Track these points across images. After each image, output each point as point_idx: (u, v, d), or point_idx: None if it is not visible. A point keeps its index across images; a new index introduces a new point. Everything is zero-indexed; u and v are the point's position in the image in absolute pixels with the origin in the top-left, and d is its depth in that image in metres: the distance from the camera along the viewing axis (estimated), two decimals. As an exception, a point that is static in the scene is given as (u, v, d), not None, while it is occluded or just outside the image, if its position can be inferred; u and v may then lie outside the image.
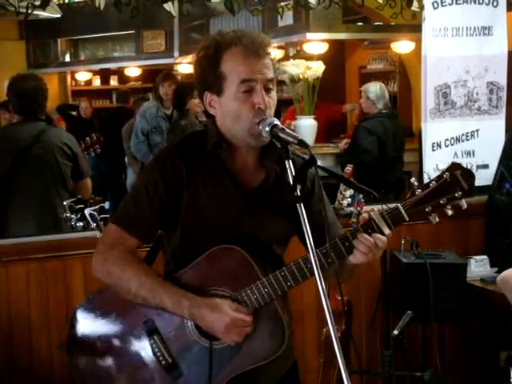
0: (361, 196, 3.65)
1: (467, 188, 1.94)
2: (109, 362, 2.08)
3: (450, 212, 1.96)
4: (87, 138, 4.26)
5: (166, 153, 2.09)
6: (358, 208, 3.56)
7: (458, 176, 1.94)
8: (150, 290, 1.98)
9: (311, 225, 1.82)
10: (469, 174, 1.97)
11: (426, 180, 1.98)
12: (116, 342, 2.08)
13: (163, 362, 2.02)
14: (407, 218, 1.95)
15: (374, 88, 5.90)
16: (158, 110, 6.23)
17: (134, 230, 2.03)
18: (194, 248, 2.02)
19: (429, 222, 1.99)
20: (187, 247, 2.04)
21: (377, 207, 1.99)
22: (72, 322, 2.12)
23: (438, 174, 1.96)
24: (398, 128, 5.90)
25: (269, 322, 1.98)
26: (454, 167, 1.96)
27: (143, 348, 2.04)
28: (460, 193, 1.94)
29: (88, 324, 2.11)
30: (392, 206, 1.98)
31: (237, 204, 2.02)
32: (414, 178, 2.01)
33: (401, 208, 1.95)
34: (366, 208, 3.26)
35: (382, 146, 5.73)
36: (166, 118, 6.27)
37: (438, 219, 1.97)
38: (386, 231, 1.95)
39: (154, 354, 2.03)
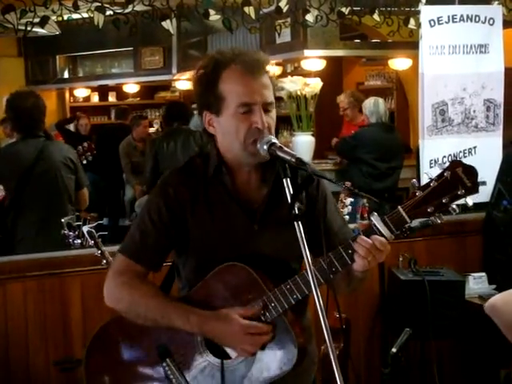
0: (365, 200, 3.66)
1: (470, 185, 1.85)
2: None
3: (454, 211, 1.88)
4: (79, 147, 4.29)
5: (168, 179, 2.09)
6: (364, 214, 3.57)
7: (459, 173, 1.85)
8: (159, 311, 1.99)
9: (318, 230, 1.85)
10: (471, 171, 1.86)
11: (426, 180, 1.90)
12: (131, 367, 2.09)
13: None
14: (409, 220, 1.89)
15: (368, 103, 6.01)
16: None
17: (140, 258, 2.05)
18: (207, 271, 2.02)
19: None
20: (200, 271, 2.04)
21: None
22: (90, 346, 2.13)
23: (438, 172, 1.89)
24: (391, 141, 5.92)
25: (279, 337, 1.97)
26: (455, 165, 1.87)
27: (157, 372, 2.05)
28: (463, 190, 1.85)
29: (105, 348, 2.12)
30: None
31: (244, 226, 2.03)
32: (414, 180, 1.95)
33: (401, 210, 1.89)
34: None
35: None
36: None
37: (443, 219, 1.90)
38: (388, 234, 1.90)
39: (167, 377, 2.02)
